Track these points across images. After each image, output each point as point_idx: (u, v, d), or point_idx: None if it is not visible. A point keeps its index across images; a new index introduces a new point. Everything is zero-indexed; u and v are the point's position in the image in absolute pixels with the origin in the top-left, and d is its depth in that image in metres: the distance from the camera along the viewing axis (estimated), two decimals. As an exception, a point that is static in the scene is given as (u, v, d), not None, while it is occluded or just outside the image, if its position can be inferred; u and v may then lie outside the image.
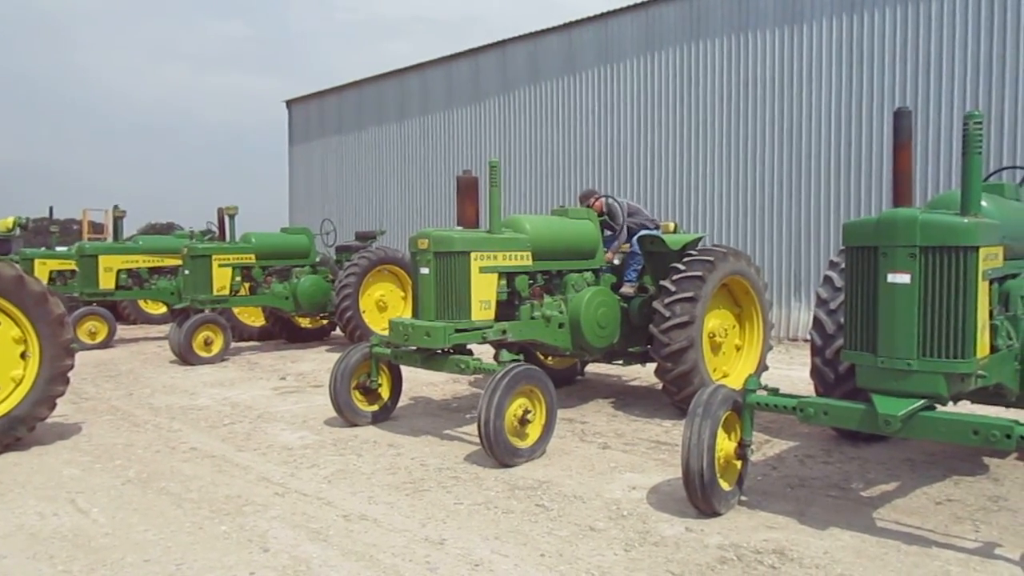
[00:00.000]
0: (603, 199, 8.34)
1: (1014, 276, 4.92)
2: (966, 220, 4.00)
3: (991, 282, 4.36)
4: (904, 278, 4.01)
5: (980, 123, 4.06)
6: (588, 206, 8.16)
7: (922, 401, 4.04)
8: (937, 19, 11.95)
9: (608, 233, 8.22)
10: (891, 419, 3.99)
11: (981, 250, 3.97)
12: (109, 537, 4.36)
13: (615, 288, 7.83)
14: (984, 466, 5.60)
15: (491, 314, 6.69)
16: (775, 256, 13.75)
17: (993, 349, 4.40)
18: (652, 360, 7.38)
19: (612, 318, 7.50)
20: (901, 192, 4.39)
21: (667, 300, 7.09)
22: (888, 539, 4.23)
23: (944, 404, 4.25)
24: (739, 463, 4.74)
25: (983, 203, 4.46)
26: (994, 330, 4.45)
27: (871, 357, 4.16)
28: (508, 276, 6.91)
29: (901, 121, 4.42)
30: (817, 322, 6.12)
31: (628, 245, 8.04)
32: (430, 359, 6.66)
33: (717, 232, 14.36)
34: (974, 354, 3.96)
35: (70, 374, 6.43)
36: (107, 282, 13.22)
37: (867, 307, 4.19)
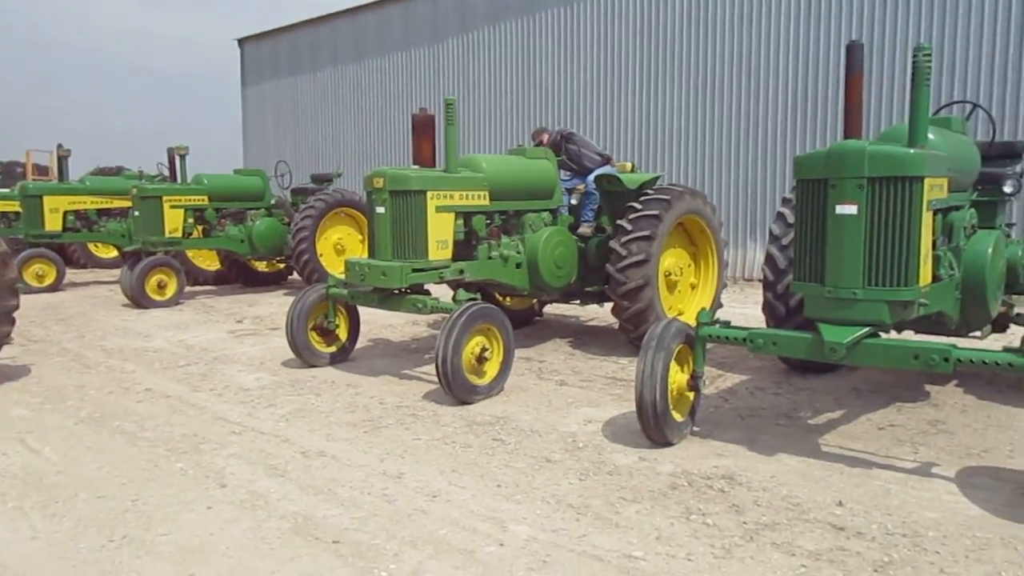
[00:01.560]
0: (553, 133, 8.28)
1: (958, 208, 5.03)
2: (912, 151, 4.07)
3: (935, 213, 4.46)
4: (852, 209, 4.08)
5: (929, 55, 4.10)
6: (539, 143, 8.12)
7: (867, 328, 4.15)
8: (893, -44, 11.95)
9: (565, 175, 8.18)
10: (837, 346, 4.10)
11: (926, 180, 4.04)
12: (62, 475, 4.33)
13: (572, 228, 7.84)
14: (926, 393, 5.81)
15: (448, 254, 6.67)
16: (731, 196, 13.87)
17: (935, 279, 4.52)
18: (609, 299, 7.45)
19: (569, 258, 7.53)
20: (852, 125, 4.43)
21: (623, 239, 7.12)
22: (832, 462, 4.39)
23: (887, 331, 4.38)
24: (691, 395, 4.86)
25: (930, 136, 4.53)
26: (937, 260, 4.56)
27: (818, 287, 4.25)
28: (465, 216, 6.87)
29: (853, 54, 4.44)
30: (769, 258, 6.22)
31: (584, 185, 8.03)
32: (387, 299, 6.64)
33: (674, 171, 14.42)
34: (917, 282, 4.07)
35: (15, 315, 6.28)
36: (53, 224, 12.85)
37: (816, 238, 4.26)
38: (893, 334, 5.25)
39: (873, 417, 5.25)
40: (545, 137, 8.26)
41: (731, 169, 13.88)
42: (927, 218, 4.12)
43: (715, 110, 13.98)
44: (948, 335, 5.41)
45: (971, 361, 3.87)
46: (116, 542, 3.50)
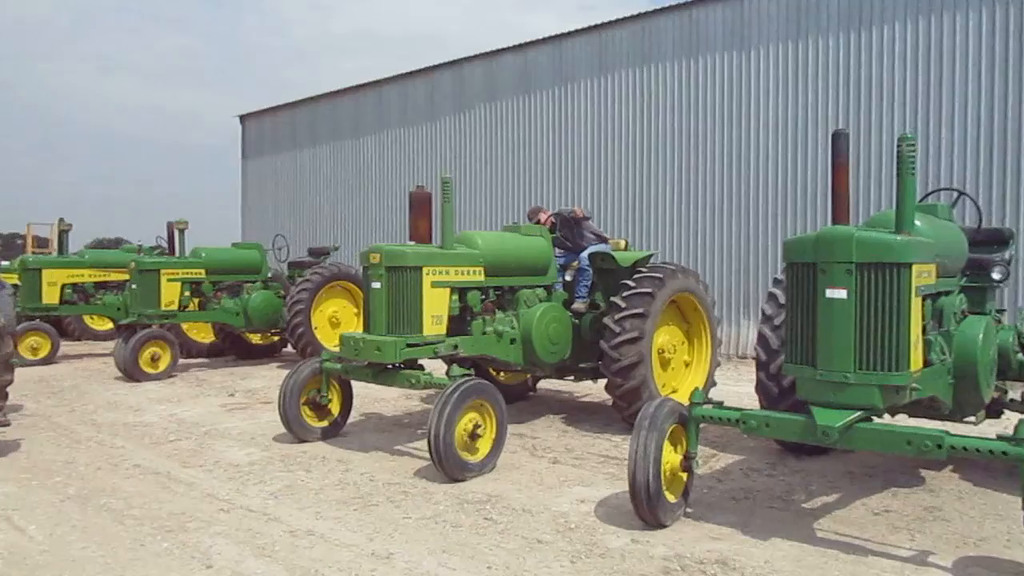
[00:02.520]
0: (552, 215, 8.41)
1: (947, 294, 5.10)
2: (899, 238, 4.16)
3: (924, 298, 4.51)
4: (841, 293, 4.14)
5: (913, 145, 4.23)
6: (536, 222, 8.24)
7: (859, 412, 4.16)
8: (877, 46, 12.39)
9: (560, 253, 8.29)
10: (829, 430, 4.10)
11: (914, 267, 4.12)
12: (46, 554, 4.26)
13: (567, 304, 7.90)
14: (921, 478, 5.77)
15: (443, 329, 6.70)
16: (724, 274, 14.01)
17: (927, 363, 4.54)
18: (603, 376, 7.45)
19: (563, 334, 7.56)
20: (839, 211, 4.53)
21: (617, 316, 7.17)
22: (827, 548, 4.33)
23: (880, 415, 4.38)
24: (685, 475, 4.81)
25: (917, 222, 4.62)
26: (928, 345, 4.60)
27: (810, 370, 4.27)
28: (460, 291, 6.94)
29: (839, 142, 4.57)
30: (762, 338, 6.26)
31: (578, 262, 8.12)
32: (381, 374, 6.64)
33: (667, 250, 14.59)
34: (908, 367, 4.10)
35: (9, 389, 6.26)
36: (51, 297, 12.90)
37: (807, 322, 4.30)
38: (887, 418, 5.25)
39: (868, 502, 5.20)
40: (543, 216, 8.38)
41: (723, 248, 14.07)
42: (916, 303, 4.18)
43: (707, 190, 14.25)
44: (942, 420, 5.40)
45: (964, 448, 3.87)
46: (97, 625, 3.42)
